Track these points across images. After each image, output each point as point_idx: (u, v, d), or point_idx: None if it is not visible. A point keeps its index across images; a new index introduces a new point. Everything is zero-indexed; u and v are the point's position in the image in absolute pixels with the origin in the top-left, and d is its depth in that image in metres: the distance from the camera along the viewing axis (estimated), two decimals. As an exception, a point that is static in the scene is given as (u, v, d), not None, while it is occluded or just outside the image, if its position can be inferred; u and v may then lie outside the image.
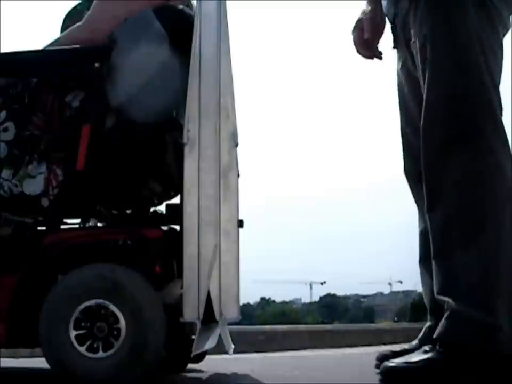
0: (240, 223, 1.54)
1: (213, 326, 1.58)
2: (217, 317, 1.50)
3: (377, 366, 1.74)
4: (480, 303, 1.42)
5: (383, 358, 1.78)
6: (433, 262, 1.51)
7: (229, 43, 1.58)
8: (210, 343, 1.65)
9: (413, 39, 1.62)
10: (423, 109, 1.57)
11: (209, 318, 1.51)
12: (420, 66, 1.59)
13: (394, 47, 1.81)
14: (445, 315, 1.46)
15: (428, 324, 1.84)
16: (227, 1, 1.60)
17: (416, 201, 1.79)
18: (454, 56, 1.54)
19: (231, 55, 1.58)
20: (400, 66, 1.79)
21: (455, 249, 1.46)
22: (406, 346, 1.86)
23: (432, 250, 1.52)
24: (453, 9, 1.55)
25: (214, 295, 1.49)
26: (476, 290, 1.43)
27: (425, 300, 1.85)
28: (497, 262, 1.44)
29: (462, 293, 1.44)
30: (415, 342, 1.84)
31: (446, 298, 1.47)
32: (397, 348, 1.86)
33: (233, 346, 1.63)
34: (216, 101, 1.55)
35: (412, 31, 1.62)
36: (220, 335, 1.60)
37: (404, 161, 1.82)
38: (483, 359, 1.39)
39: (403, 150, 1.82)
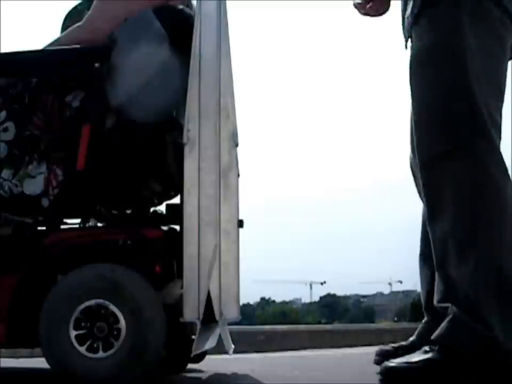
0: (240, 223, 1.54)
1: (213, 326, 1.58)
2: (217, 317, 1.50)
3: (377, 362, 1.74)
4: (475, 314, 1.43)
5: (383, 353, 1.78)
6: (436, 273, 1.53)
7: (229, 43, 1.58)
8: (210, 343, 1.65)
9: (410, 46, 1.63)
10: (414, 114, 1.58)
11: (209, 318, 1.51)
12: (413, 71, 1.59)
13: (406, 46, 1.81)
14: (447, 318, 1.47)
15: (425, 319, 1.86)
16: (227, 1, 1.60)
17: (420, 195, 1.79)
18: (451, 63, 1.53)
19: (231, 55, 1.58)
20: None
21: (453, 261, 1.47)
22: (403, 343, 1.87)
23: (435, 261, 1.54)
24: (449, 19, 1.54)
25: (214, 295, 1.49)
26: (471, 301, 1.44)
27: (422, 296, 1.86)
28: (492, 273, 1.45)
29: (460, 302, 1.46)
30: (412, 338, 1.86)
31: (447, 304, 1.48)
32: (396, 344, 1.87)
33: (233, 346, 1.63)
34: (216, 101, 1.56)
35: (412, 39, 1.62)
36: (220, 335, 1.60)
37: (411, 155, 1.83)
38: (479, 364, 1.40)
39: (411, 145, 1.82)
